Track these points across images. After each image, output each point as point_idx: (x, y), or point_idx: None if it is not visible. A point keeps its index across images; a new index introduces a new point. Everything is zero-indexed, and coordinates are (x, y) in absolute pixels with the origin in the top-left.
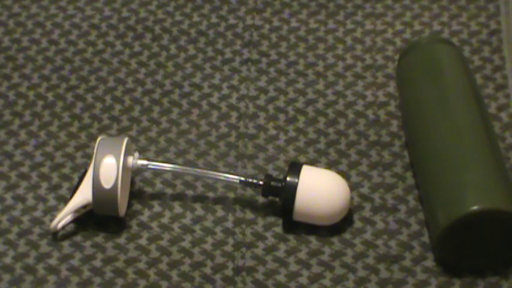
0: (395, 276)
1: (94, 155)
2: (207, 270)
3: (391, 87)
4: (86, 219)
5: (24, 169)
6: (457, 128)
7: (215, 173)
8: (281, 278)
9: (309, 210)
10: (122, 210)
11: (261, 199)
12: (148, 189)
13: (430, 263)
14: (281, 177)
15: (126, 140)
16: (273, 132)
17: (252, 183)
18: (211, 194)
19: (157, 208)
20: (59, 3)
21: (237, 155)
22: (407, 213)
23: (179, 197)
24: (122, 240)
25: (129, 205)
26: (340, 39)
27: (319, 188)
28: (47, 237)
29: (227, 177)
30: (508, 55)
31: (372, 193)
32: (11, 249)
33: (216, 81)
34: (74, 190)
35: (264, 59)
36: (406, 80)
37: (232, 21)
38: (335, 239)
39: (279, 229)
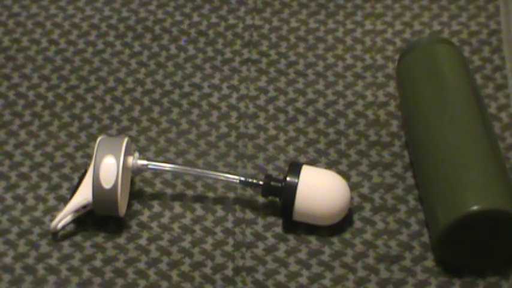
0: (395, 276)
1: (94, 155)
2: (207, 270)
3: (391, 87)
4: (86, 219)
5: (24, 169)
6: (457, 128)
7: (215, 173)
8: (281, 278)
9: (309, 210)
10: (122, 210)
11: (261, 199)
12: (148, 189)
13: (430, 263)
14: (281, 177)
15: (126, 140)
16: (273, 132)
17: (252, 183)
18: (211, 194)
19: (157, 208)
20: (59, 3)
21: (237, 155)
22: (407, 213)
23: (179, 197)
24: (122, 240)
25: (129, 205)
26: (340, 39)
27: (319, 188)
28: (47, 237)
29: (227, 177)
30: (508, 55)
31: (372, 193)
32: (11, 249)
33: (216, 81)
34: (74, 190)
35: (264, 59)
36: (406, 80)
37: (232, 21)
38: (335, 239)
39: (279, 229)
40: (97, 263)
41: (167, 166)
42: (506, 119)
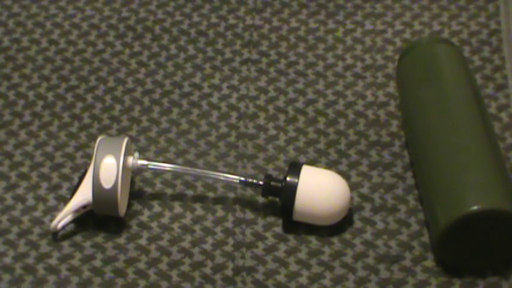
0: (395, 276)
1: (94, 155)
2: (207, 270)
3: (391, 87)
4: (86, 219)
5: (24, 169)
6: (457, 128)
7: (215, 173)
8: (281, 278)
9: (309, 210)
10: (122, 210)
11: (261, 199)
12: (148, 189)
13: (430, 263)
14: (281, 177)
15: (126, 140)
16: (273, 132)
17: (252, 183)
18: (211, 194)
19: (157, 208)
20: (59, 3)
21: (237, 155)
22: (407, 213)
23: (179, 197)
24: (122, 240)
25: (129, 205)
26: (340, 39)
27: (319, 188)
28: (47, 237)
29: (227, 177)
30: (508, 55)
31: (372, 193)
32: (11, 249)
33: (216, 81)
34: (74, 190)
35: (264, 59)
36: (406, 80)
37: (232, 21)
38: (335, 239)
39: (279, 229)
40: (97, 263)
41: (167, 166)
42: (506, 119)
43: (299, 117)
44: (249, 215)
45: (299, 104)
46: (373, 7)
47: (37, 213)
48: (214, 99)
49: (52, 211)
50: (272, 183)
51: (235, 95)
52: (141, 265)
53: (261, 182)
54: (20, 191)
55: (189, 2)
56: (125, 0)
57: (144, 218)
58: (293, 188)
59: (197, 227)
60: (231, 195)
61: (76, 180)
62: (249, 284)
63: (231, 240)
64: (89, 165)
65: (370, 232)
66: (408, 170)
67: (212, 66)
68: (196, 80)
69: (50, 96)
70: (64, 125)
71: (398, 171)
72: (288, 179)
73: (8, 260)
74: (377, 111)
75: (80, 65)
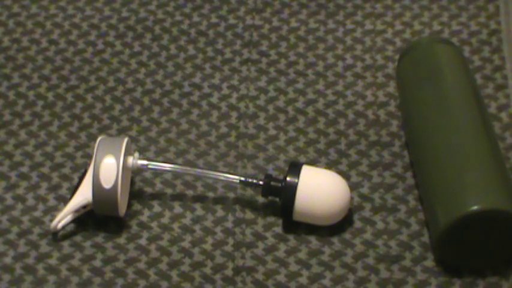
0: (395, 276)
1: (94, 155)
2: (207, 270)
3: (391, 87)
4: (86, 219)
5: (24, 169)
6: (457, 128)
7: (215, 173)
8: (281, 278)
9: (309, 210)
10: (122, 210)
11: (261, 199)
12: (148, 189)
13: (430, 263)
14: (281, 177)
15: (126, 140)
16: (273, 132)
17: (252, 183)
18: (211, 194)
19: (157, 208)
20: (59, 3)
21: (237, 155)
22: (407, 213)
23: (179, 197)
24: (122, 240)
25: (129, 205)
26: (340, 39)
27: (319, 188)
28: (47, 237)
29: (227, 177)
30: (508, 55)
31: (372, 193)
32: (11, 249)
33: (216, 81)
34: (74, 190)
35: (264, 59)
36: (406, 80)
37: (232, 21)
38: (335, 239)
39: (279, 229)
40: (97, 263)
41: (167, 166)
42: (506, 119)
43: (299, 117)
44: (249, 215)
45: (299, 104)
46: (373, 7)
47: (37, 213)
48: (214, 99)
49: (52, 211)
50: (272, 183)
51: (235, 95)
52: (141, 265)
53: (261, 182)
54: (20, 191)
55: (189, 2)
56: (125, 0)
57: (144, 218)
58: (293, 188)
59: (197, 227)
60: (231, 195)
61: (76, 180)
62: (249, 284)
63: (231, 240)
64: (89, 165)
65: (370, 232)
66: (408, 170)
67: (212, 66)
68: (196, 80)
69: (50, 96)
70: (64, 125)
71: (398, 171)
72: (288, 179)
73: (8, 260)
74: (377, 111)
75: (80, 65)
